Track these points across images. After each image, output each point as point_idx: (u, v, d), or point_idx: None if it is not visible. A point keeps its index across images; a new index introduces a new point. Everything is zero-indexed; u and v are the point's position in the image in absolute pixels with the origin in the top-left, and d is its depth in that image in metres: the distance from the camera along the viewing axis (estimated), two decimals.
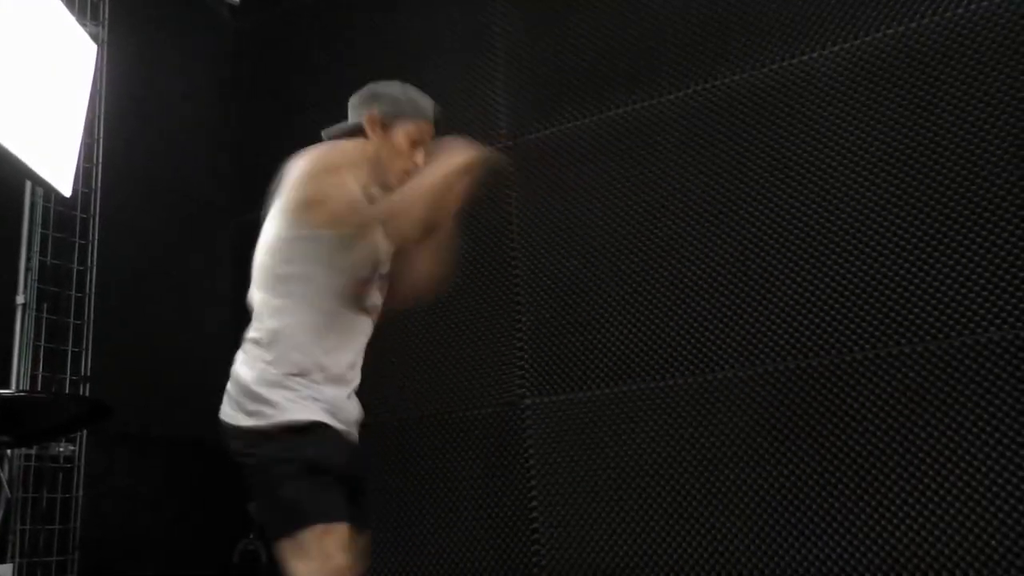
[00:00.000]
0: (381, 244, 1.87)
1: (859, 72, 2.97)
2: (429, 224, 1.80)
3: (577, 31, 3.48)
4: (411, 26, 3.87)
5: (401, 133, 1.91)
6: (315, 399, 1.77)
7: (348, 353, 1.85)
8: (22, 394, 2.67)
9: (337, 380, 1.82)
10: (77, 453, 3.08)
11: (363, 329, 1.89)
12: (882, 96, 2.92)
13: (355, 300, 1.84)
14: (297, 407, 1.74)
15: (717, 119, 3.16)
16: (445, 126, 2.02)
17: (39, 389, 2.94)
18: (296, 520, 1.64)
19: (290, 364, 1.77)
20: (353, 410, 1.90)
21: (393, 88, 1.99)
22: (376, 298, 1.91)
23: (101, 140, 3.40)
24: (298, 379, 1.77)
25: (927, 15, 2.89)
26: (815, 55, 3.04)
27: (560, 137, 3.43)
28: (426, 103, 1.98)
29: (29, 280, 3.05)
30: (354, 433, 1.89)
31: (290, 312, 1.80)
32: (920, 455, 2.66)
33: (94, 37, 3.31)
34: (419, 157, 1.89)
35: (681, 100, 3.24)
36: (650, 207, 3.21)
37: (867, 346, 2.79)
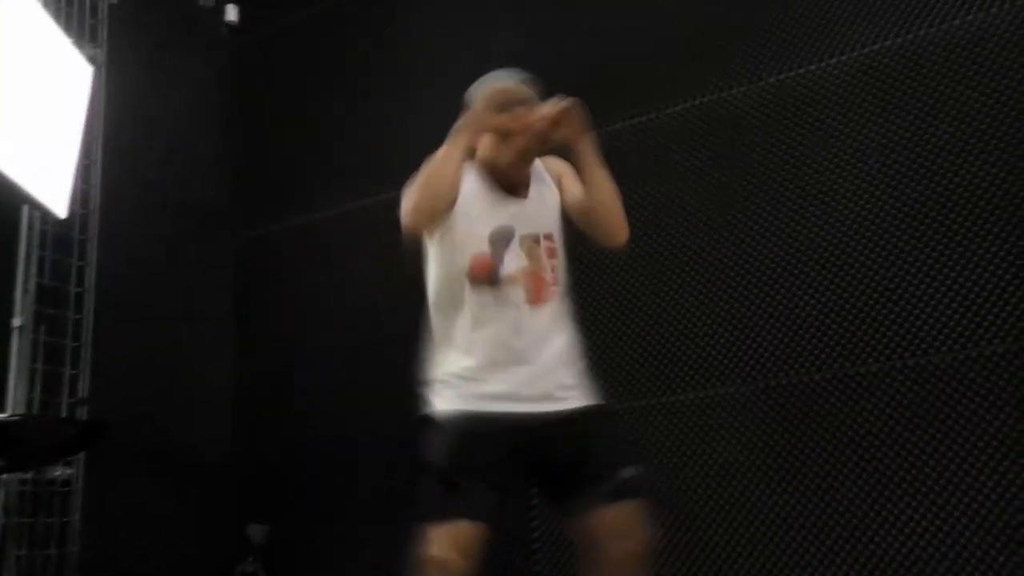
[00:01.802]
0: (480, 214, 1.82)
1: (860, 84, 2.94)
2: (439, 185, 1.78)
3: (576, 46, 3.47)
4: (409, 41, 3.87)
5: (490, 138, 1.88)
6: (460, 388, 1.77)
7: (495, 326, 1.77)
8: (15, 418, 2.65)
9: (496, 354, 1.77)
10: (75, 476, 3.05)
11: (511, 300, 1.78)
12: (883, 107, 2.89)
13: (481, 277, 1.79)
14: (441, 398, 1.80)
15: (717, 132, 3.14)
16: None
17: (36, 412, 2.92)
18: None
19: (444, 355, 1.83)
20: (531, 372, 1.76)
21: (481, 85, 1.98)
22: (514, 265, 1.79)
23: (99, 161, 3.40)
24: (447, 367, 1.81)
25: (925, 27, 2.87)
26: (814, 67, 3.02)
27: (556, 152, 3.40)
28: (492, 79, 1.96)
29: (26, 302, 3.04)
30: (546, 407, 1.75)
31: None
32: (923, 468, 2.61)
33: (92, 59, 3.33)
34: (520, 113, 1.85)
35: (681, 113, 3.22)
36: (649, 221, 3.18)
37: (870, 359, 2.75)
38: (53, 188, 2.90)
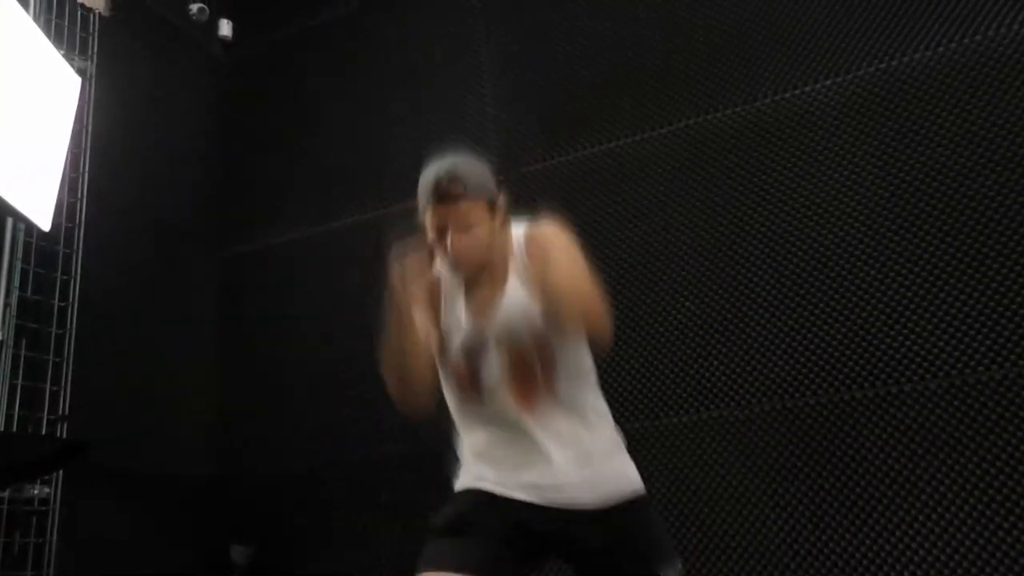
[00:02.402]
0: (451, 323, 1.67)
1: (852, 106, 2.93)
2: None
3: (567, 66, 3.46)
4: (400, 61, 3.86)
5: (427, 235, 1.65)
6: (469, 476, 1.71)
7: (482, 432, 1.69)
8: None
9: (484, 456, 1.69)
10: (52, 495, 2.98)
11: (492, 405, 1.66)
12: (875, 130, 2.88)
13: (459, 384, 1.68)
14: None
15: (711, 153, 3.12)
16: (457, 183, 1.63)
17: (14, 429, 2.86)
18: None
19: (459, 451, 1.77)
20: (533, 477, 1.63)
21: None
22: (493, 374, 1.64)
23: (86, 174, 3.36)
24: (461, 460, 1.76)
25: (920, 50, 2.86)
26: (808, 88, 3.01)
27: (551, 172, 3.38)
28: (427, 178, 1.63)
29: (8, 316, 2.98)
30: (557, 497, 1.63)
31: None
32: (920, 494, 2.57)
33: (82, 72, 3.29)
34: (450, 243, 1.60)
35: (674, 134, 3.20)
36: (643, 242, 3.16)
37: (866, 384, 2.71)
38: (38, 201, 2.86)
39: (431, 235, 1.63)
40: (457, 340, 1.66)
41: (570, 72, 3.44)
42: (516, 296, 1.65)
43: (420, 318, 1.61)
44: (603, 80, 3.37)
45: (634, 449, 2.95)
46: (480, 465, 1.68)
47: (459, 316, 1.68)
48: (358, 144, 3.84)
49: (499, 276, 1.67)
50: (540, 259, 1.63)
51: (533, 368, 1.62)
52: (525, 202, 3.54)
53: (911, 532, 2.55)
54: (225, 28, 4.23)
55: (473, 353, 1.65)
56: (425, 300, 1.65)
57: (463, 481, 1.70)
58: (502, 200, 1.68)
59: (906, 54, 2.88)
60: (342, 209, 3.78)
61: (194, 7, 4.08)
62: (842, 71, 2.97)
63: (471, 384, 1.65)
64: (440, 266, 1.69)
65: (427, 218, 1.63)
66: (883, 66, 2.90)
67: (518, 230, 1.71)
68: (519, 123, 3.51)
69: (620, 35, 3.38)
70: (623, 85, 3.33)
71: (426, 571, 1.55)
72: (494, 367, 1.63)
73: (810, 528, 2.68)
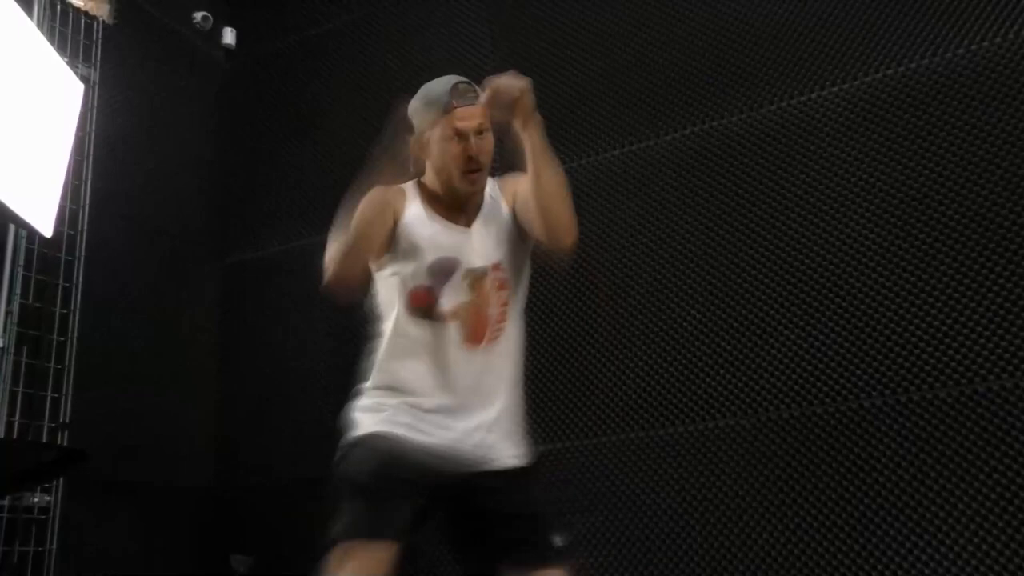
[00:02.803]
0: (424, 244, 1.66)
1: (858, 113, 2.91)
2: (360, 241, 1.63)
3: (571, 74, 3.44)
4: (402, 66, 3.84)
5: (434, 144, 1.68)
6: (388, 413, 1.66)
7: (414, 361, 1.66)
8: None
9: (425, 395, 1.65)
10: (52, 503, 2.95)
11: (446, 337, 1.65)
12: (881, 137, 2.86)
13: (418, 310, 1.66)
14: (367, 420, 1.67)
15: (715, 161, 3.10)
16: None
17: (15, 436, 2.84)
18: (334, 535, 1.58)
19: (374, 383, 1.71)
20: (465, 427, 1.64)
21: (415, 100, 1.77)
22: (455, 300, 1.65)
23: (89, 181, 3.35)
24: (376, 396, 1.69)
25: (926, 56, 2.84)
26: (813, 95, 2.99)
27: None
28: (442, 86, 1.70)
29: (9, 323, 2.96)
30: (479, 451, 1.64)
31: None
32: (930, 504, 2.53)
33: (85, 79, 3.29)
34: (473, 146, 1.64)
35: (678, 141, 3.18)
36: (648, 250, 3.13)
37: (874, 393, 2.68)
38: (40, 207, 2.85)
39: (447, 142, 1.65)
40: (427, 258, 1.65)
41: (575, 80, 3.43)
42: (495, 221, 1.70)
43: (381, 225, 1.64)
44: (608, 88, 3.36)
45: (641, 458, 2.94)
46: (399, 410, 1.64)
47: (430, 232, 1.68)
48: (360, 152, 3.82)
49: (475, 203, 1.71)
50: (522, 183, 1.68)
51: (491, 298, 1.65)
52: None
53: (922, 543, 2.52)
54: (229, 36, 4.23)
55: (440, 274, 1.65)
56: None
57: (381, 424, 1.65)
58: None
59: (912, 60, 2.86)
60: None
61: (198, 15, 4.08)
62: (848, 77, 2.95)
63: (425, 308, 1.65)
64: (425, 178, 1.71)
65: (446, 123, 1.65)
66: (889, 71, 2.88)
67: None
68: None
69: (626, 44, 3.36)
70: (628, 92, 3.31)
71: (370, 540, 1.55)
72: (456, 293, 1.64)
73: (818, 539, 2.64)
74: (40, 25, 3.15)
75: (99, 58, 3.47)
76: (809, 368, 2.79)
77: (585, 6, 3.48)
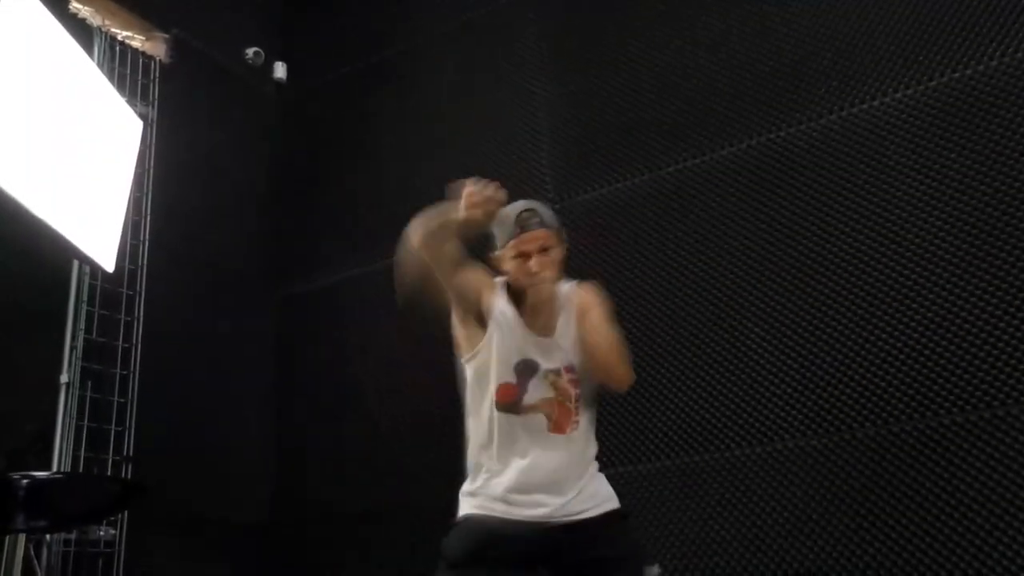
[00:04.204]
0: (509, 346, 1.90)
1: (924, 120, 2.80)
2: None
3: (622, 90, 3.40)
4: (453, 95, 3.85)
5: (506, 261, 1.92)
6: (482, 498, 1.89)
7: (514, 455, 1.88)
8: (58, 476, 2.58)
9: (514, 479, 1.87)
10: (117, 537, 2.97)
11: (533, 427, 1.89)
12: (951, 143, 2.74)
13: (506, 406, 1.90)
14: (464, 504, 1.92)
15: (774, 174, 3.02)
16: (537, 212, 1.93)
17: (80, 470, 2.87)
18: None
19: (471, 469, 1.94)
20: (554, 503, 1.85)
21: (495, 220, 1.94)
22: (537, 395, 1.89)
23: (148, 217, 3.40)
24: (472, 482, 1.93)
25: (996, 57, 2.73)
26: (876, 103, 2.90)
27: (610, 198, 3.31)
28: (508, 214, 1.91)
29: (73, 358, 3.01)
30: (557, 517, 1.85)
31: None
32: (1011, 519, 2.38)
33: (143, 116, 3.36)
34: (534, 263, 1.87)
35: (734, 155, 3.11)
36: (706, 268, 3.05)
37: (954, 410, 2.55)
38: (102, 243, 2.90)
39: (515, 261, 1.89)
40: (513, 358, 1.89)
41: (629, 102, 3.38)
42: (567, 330, 1.92)
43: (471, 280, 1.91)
44: (662, 105, 3.30)
45: (702, 481, 2.84)
46: (491, 485, 1.87)
47: (514, 336, 1.90)
48: (412, 181, 3.83)
49: (553, 311, 1.94)
50: (583, 306, 1.94)
51: (570, 397, 1.89)
52: (577, 231, 3.51)
53: (1005, 560, 2.37)
54: (280, 71, 4.30)
55: (526, 372, 1.89)
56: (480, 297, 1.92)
57: (474, 508, 1.88)
58: (565, 237, 1.97)
59: (981, 62, 2.75)
60: (397, 247, 3.76)
61: (250, 51, 4.15)
62: (912, 83, 2.85)
63: (513, 402, 1.88)
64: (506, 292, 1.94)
65: (511, 248, 1.89)
66: (956, 75, 2.77)
67: (564, 285, 1.97)
68: (571, 150, 3.46)
69: (679, 60, 3.31)
70: (676, 108, 3.26)
71: None
72: (539, 388, 1.88)
73: (900, 563, 2.51)
74: (100, 65, 3.24)
75: (156, 96, 3.55)
76: (883, 385, 2.67)
77: (636, 28, 3.43)
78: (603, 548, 1.83)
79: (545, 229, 1.89)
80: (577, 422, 1.90)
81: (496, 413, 1.88)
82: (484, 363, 1.90)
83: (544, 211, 1.94)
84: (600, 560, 1.82)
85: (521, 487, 1.84)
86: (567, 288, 1.97)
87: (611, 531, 1.86)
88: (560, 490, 1.84)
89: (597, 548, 1.83)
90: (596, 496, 1.88)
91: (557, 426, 1.88)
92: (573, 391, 1.90)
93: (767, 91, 3.10)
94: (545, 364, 1.89)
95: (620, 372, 1.88)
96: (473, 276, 1.91)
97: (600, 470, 1.93)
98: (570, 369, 1.91)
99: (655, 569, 1.84)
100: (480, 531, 1.83)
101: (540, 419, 1.87)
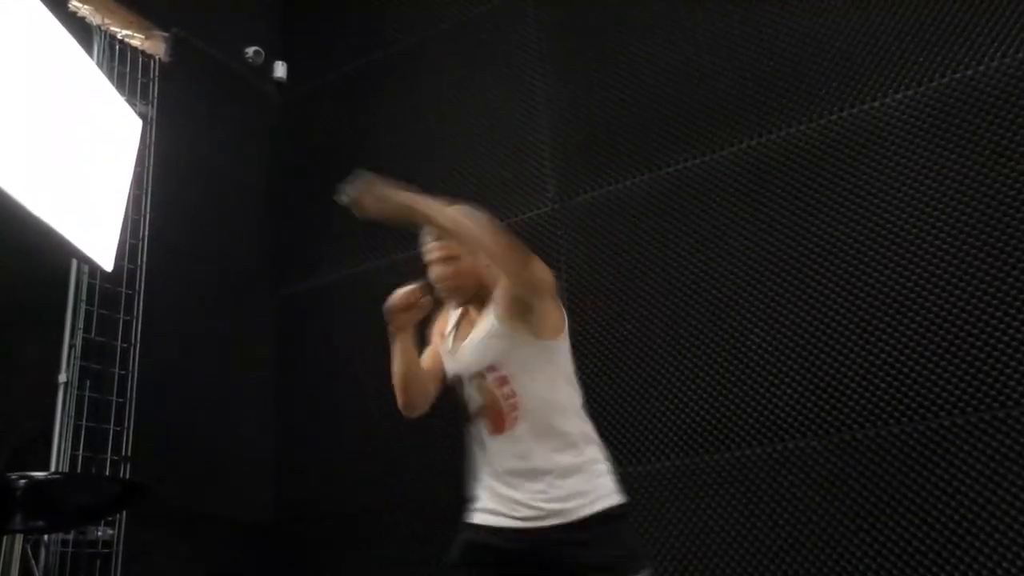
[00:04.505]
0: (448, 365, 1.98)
1: (924, 120, 2.80)
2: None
3: (623, 89, 3.39)
4: (453, 95, 3.84)
5: None
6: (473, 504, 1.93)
7: (480, 455, 1.93)
8: (56, 476, 2.58)
9: (480, 480, 1.92)
10: (116, 537, 2.96)
11: (479, 433, 1.92)
12: (952, 144, 2.74)
13: (464, 414, 1.95)
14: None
15: (775, 174, 3.01)
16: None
17: (79, 470, 2.86)
18: None
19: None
20: (520, 496, 1.83)
21: None
22: (473, 404, 1.91)
23: (148, 216, 3.40)
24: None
25: (996, 58, 2.73)
26: (876, 104, 2.89)
27: (610, 198, 3.31)
28: None
29: (72, 358, 3.00)
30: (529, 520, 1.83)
31: None
32: (1011, 523, 2.38)
33: (143, 115, 3.35)
34: (435, 270, 1.95)
35: (736, 155, 3.10)
36: (707, 268, 3.05)
37: (955, 411, 2.54)
38: (101, 241, 2.89)
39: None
40: (449, 372, 1.97)
41: (627, 101, 3.37)
42: (482, 329, 1.89)
43: (403, 345, 1.94)
44: (662, 104, 3.29)
45: (704, 482, 2.84)
46: (478, 492, 1.90)
47: (445, 351, 1.99)
48: (415, 181, 3.81)
49: (481, 311, 1.93)
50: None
51: (496, 395, 1.85)
52: (578, 231, 3.50)
53: (1005, 563, 2.37)
54: (280, 70, 4.29)
55: (459, 385, 1.93)
56: (418, 327, 1.98)
57: (470, 511, 1.91)
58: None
59: (982, 63, 2.74)
60: (398, 245, 3.76)
61: (250, 50, 4.14)
62: (912, 84, 2.84)
63: (463, 408, 1.92)
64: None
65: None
66: (957, 75, 2.77)
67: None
68: (573, 149, 3.45)
69: (678, 62, 3.30)
70: (678, 108, 3.25)
71: None
72: (471, 397, 1.90)
73: (900, 565, 2.51)
74: (100, 64, 3.23)
75: (156, 95, 3.54)
76: (883, 387, 2.67)
77: (636, 27, 3.42)
78: (575, 555, 1.75)
79: (439, 240, 1.92)
80: (516, 418, 1.83)
81: (466, 422, 1.94)
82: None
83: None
84: (570, 568, 1.76)
85: (485, 493, 1.87)
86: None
87: (588, 535, 1.76)
88: (518, 493, 1.81)
89: (567, 555, 1.75)
90: (569, 497, 1.78)
91: (495, 427, 1.85)
92: (499, 390, 1.84)
93: (767, 91, 3.09)
94: (467, 372, 1.90)
95: (503, 250, 1.79)
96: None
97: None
98: (492, 368, 1.85)
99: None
100: (460, 541, 1.87)
101: (482, 424, 1.89)
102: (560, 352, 1.89)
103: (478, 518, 1.87)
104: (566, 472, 1.80)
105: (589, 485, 1.80)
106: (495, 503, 1.84)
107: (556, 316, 1.87)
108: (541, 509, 1.78)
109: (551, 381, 1.86)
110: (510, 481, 1.82)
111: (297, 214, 4.13)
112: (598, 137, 3.40)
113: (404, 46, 4.05)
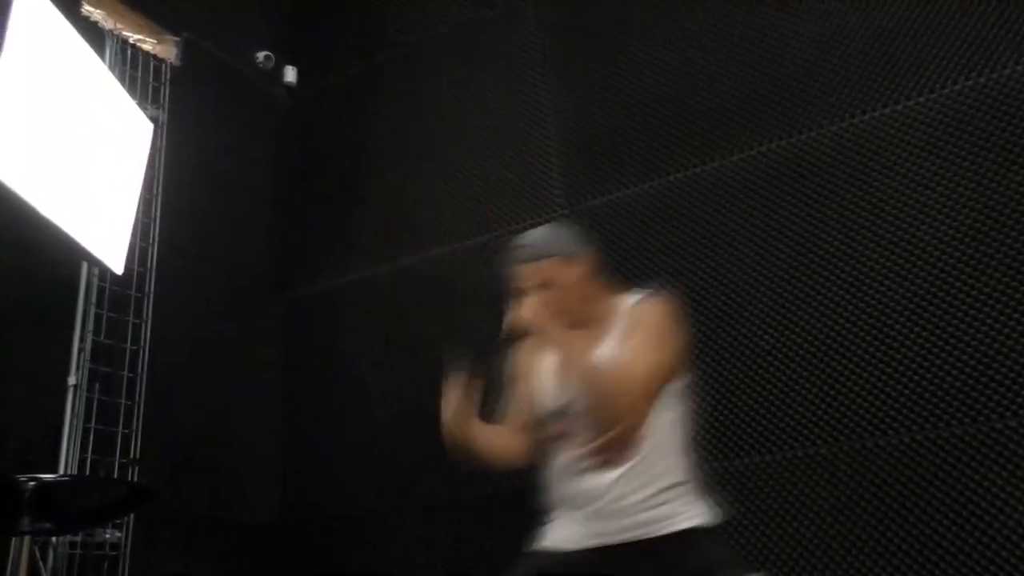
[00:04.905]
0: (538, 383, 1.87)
1: (936, 127, 2.78)
2: None
3: (632, 94, 3.38)
4: (463, 100, 3.84)
5: None
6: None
7: (559, 487, 1.83)
8: (64, 478, 2.58)
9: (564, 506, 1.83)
10: (123, 539, 2.96)
11: (561, 461, 1.82)
12: (965, 151, 2.72)
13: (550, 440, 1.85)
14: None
15: (785, 180, 3.00)
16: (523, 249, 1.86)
17: (87, 472, 2.86)
18: None
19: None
20: (593, 526, 1.76)
21: None
22: (577, 431, 1.79)
23: (158, 219, 3.41)
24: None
25: (1009, 65, 2.71)
26: (888, 111, 2.88)
27: (619, 204, 3.30)
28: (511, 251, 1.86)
29: (81, 360, 3.01)
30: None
31: None
32: (1011, 535, 2.36)
33: (154, 119, 3.37)
34: (520, 307, 1.77)
35: (746, 161, 3.09)
36: (716, 275, 3.04)
37: (966, 420, 2.53)
38: (111, 245, 2.90)
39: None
40: (547, 398, 1.82)
41: (632, 106, 3.37)
42: (605, 358, 1.72)
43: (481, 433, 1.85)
44: (667, 111, 3.29)
45: (712, 489, 2.82)
46: (558, 521, 1.80)
47: (548, 374, 1.83)
48: (421, 184, 3.83)
49: (592, 337, 1.77)
50: (632, 329, 1.75)
51: (611, 430, 1.71)
52: (594, 235, 3.47)
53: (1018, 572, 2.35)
54: (290, 75, 4.30)
55: (560, 414, 1.79)
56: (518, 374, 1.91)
57: (542, 538, 1.80)
58: (580, 258, 1.82)
59: (995, 70, 2.72)
60: (405, 249, 3.76)
61: (260, 55, 4.16)
62: (924, 90, 2.82)
63: (558, 440, 1.79)
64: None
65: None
66: (970, 83, 2.75)
67: (631, 298, 1.83)
68: (581, 155, 3.44)
69: (684, 68, 3.29)
70: (688, 113, 3.24)
71: None
72: (579, 425, 1.75)
73: (904, 571, 2.49)
74: (111, 68, 3.24)
75: (167, 99, 3.56)
76: (894, 395, 2.65)
77: (637, 28, 3.42)
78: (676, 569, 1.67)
79: (527, 264, 1.77)
80: (626, 456, 1.74)
81: (548, 455, 1.86)
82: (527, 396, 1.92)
83: (537, 239, 1.83)
84: None
85: (561, 519, 1.82)
86: (632, 301, 1.81)
87: (669, 553, 1.69)
88: (604, 515, 1.74)
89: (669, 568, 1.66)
90: (651, 520, 1.72)
91: (603, 459, 1.75)
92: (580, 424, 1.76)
93: (778, 97, 3.08)
94: (575, 405, 1.78)
95: (625, 410, 1.69)
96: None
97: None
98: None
99: None
100: (540, 565, 1.80)
101: (578, 454, 1.78)
102: (673, 392, 1.82)
103: (549, 542, 1.78)
104: (656, 496, 1.73)
105: (674, 508, 1.73)
106: (570, 528, 1.76)
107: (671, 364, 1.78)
108: (621, 529, 1.71)
109: (660, 419, 1.77)
110: (600, 509, 1.73)
111: (304, 217, 4.14)
112: (604, 141, 3.39)
113: (407, 49, 4.06)
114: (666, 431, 1.78)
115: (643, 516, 1.70)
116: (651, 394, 1.72)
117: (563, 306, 1.75)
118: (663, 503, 1.72)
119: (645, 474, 1.73)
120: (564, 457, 1.79)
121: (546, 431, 1.83)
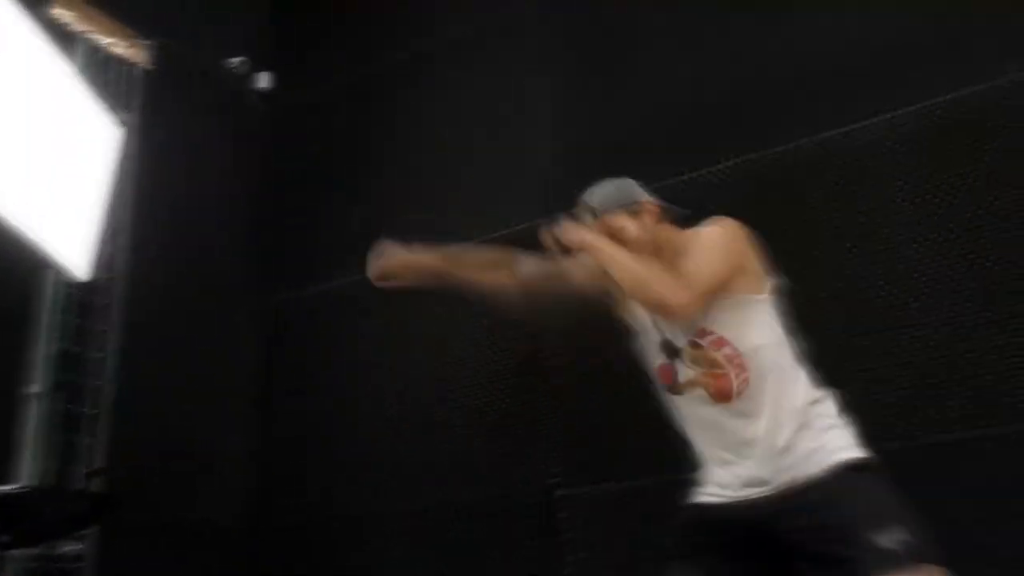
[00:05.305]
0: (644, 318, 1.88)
1: (929, 135, 2.75)
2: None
3: (626, 100, 3.34)
4: (451, 103, 3.80)
5: None
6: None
7: (695, 430, 1.84)
8: (23, 490, 2.51)
9: (703, 455, 1.83)
10: (85, 551, 2.89)
11: (692, 407, 1.81)
12: (961, 159, 2.69)
13: (668, 387, 1.85)
14: None
15: (775, 188, 2.96)
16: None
17: (48, 484, 2.79)
18: None
19: None
20: (742, 474, 1.74)
21: None
22: (689, 373, 1.79)
23: (129, 226, 3.35)
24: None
25: (1012, 71, 2.69)
26: (878, 119, 2.85)
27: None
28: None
29: (45, 369, 2.94)
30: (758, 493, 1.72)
31: None
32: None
33: (124, 124, 3.31)
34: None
35: (737, 168, 3.05)
36: None
37: (957, 427, 2.51)
38: (77, 251, 2.84)
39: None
40: (649, 340, 1.85)
41: (630, 114, 3.32)
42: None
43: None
44: (660, 114, 3.24)
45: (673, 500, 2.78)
46: (704, 469, 1.81)
47: (651, 321, 1.85)
48: (406, 188, 3.80)
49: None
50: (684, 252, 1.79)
51: (718, 360, 1.73)
52: None
53: None
54: (265, 80, 4.26)
55: (671, 353, 1.80)
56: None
57: (694, 493, 1.82)
58: (644, 207, 1.93)
59: (996, 78, 2.71)
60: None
61: (235, 60, 4.12)
62: (922, 97, 2.78)
63: (671, 384, 1.81)
64: None
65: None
66: (964, 92, 2.71)
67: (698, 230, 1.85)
68: (575, 160, 3.41)
69: (680, 77, 3.25)
70: (680, 118, 3.19)
71: None
72: (684, 367, 1.77)
73: None
74: (82, 72, 3.19)
75: (138, 104, 3.50)
76: (875, 406, 2.63)
77: (643, 38, 3.38)
78: (815, 515, 1.60)
79: (599, 219, 1.88)
80: (746, 380, 1.71)
81: (667, 395, 1.84)
82: (641, 346, 1.89)
83: (597, 195, 1.97)
84: (810, 530, 1.60)
85: (710, 459, 1.78)
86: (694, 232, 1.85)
87: (822, 494, 1.61)
88: (753, 461, 1.70)
89: (806, 517, 1.60)
90: (810, 455, 1.66)
91: (720, 395, 1.73)
92: (722, 353, 1.73)
93: (772, 103, 3.03)
94: (679, 340, 1.78)
95: (656, 300, 1.71)
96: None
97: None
98: (706, 332, 1.75)
99: (896, 535, 1.51)
100: (685, 520, 1.80)
101: (701, 394, 1.76)
102: (767, 307, 1.81)
103: (704, 498, 1.78)
104: (796, 432, 1.69)
105: (818, 441, 1.69)
106: (720, 478, 1.76)
107: (748, 276, 1.80)
108: (770, 476, 1.68)
109: (767, 336, 1.77)
110: (736, 458, 1.72)
111: (284, 225, 4.09)
112: (600, 148, 3.34)
113: (397, 59, 4.02)
114: (784, 358, 1.78)
115: (788, 459, 1.67)
116: (701, 289, 1.70)
117: (635, 254, 1.79)
118: (809, 438, 1.69)
119: (781, 410, 1.71)
120: (697, 408, 1.79)
121: (661, 364, 1.83)
